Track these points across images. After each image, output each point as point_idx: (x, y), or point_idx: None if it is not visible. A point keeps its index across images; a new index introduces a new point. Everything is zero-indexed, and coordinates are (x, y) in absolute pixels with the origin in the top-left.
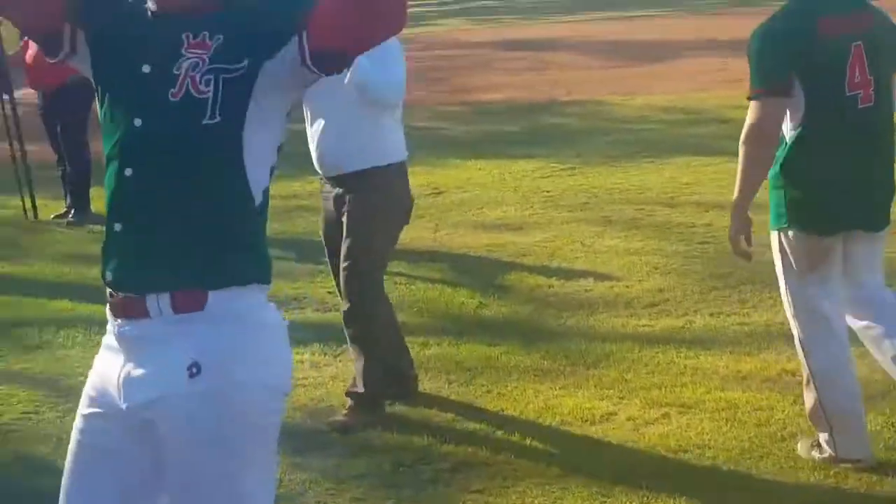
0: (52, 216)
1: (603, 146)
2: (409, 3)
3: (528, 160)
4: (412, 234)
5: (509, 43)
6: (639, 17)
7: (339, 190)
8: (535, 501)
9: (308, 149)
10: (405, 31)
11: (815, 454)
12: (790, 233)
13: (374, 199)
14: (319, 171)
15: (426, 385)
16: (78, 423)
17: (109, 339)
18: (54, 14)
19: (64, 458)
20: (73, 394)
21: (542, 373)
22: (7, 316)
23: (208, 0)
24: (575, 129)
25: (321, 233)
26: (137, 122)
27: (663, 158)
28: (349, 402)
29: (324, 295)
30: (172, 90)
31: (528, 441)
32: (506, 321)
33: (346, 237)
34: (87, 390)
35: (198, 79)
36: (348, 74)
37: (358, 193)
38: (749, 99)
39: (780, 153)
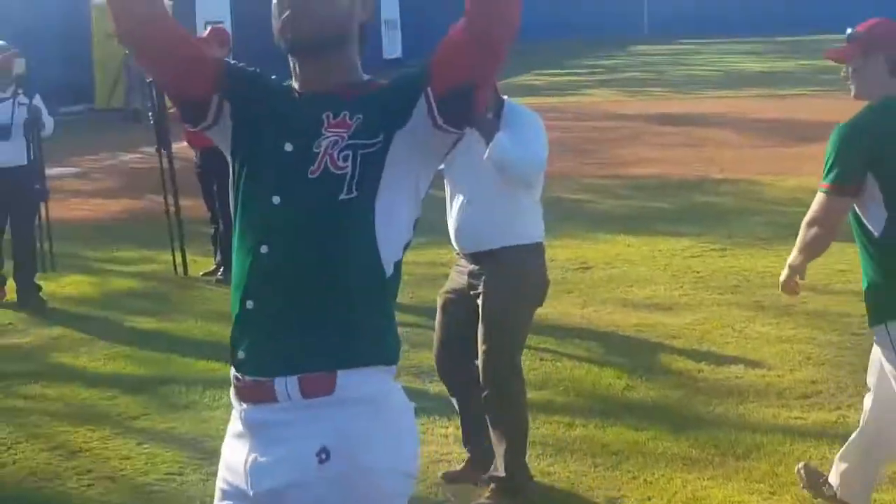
0: (201, 273)
1: (755, 227)
2: (561, 72)
3: (679, 238)
4: (560, 310)
5: (661, 116)
6: (792, 95)
7: (473, 267)
8: None
9: None
10: (555, 99)
11: None
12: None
13: (510, 280)
14: (455, 247)
15: (570, 467)
16: None
17: (235, 425)
18: (206, 84)
19: None
20: (217, 456)
21: (690, 461)
22: (154, 373)
23: (351, 84)
24: (727, 208)
25: (439, 299)
26: (276, 199)
27: None
28: (491, 485)
29: None
30: (311, 167)
31: None
32: (654, 405)
33: (483, 319)
34: (219, 483)
35: (336, 155)
36: (487, 150)
37: (493, 273)
38: (819, 192)
39: (872, 250)
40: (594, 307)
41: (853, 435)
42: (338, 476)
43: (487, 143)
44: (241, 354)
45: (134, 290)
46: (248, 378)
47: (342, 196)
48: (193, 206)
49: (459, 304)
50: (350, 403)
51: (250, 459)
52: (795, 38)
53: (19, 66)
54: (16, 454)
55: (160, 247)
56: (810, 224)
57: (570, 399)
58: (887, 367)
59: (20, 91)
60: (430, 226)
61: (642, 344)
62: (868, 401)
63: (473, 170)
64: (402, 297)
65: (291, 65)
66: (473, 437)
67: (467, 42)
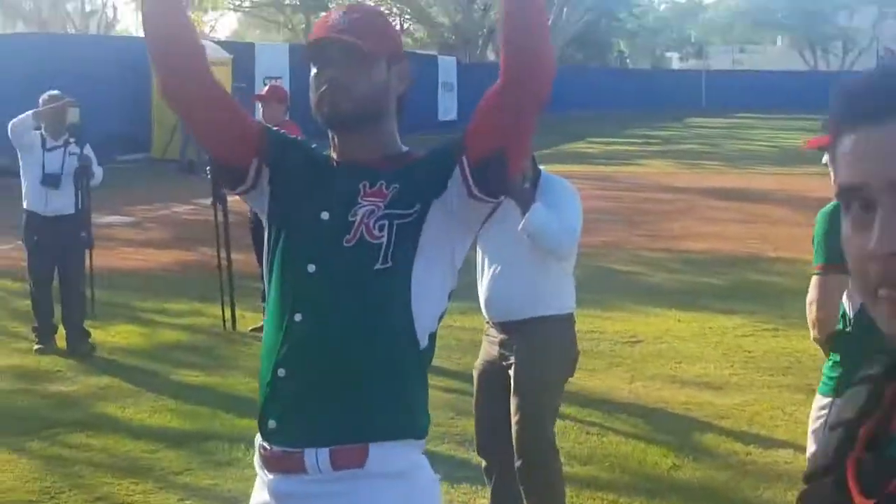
0: (249, 328)
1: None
2: (616, 140)
3: (730, 316)
4: (608, 383)
5: (715, 190)
6: None
7: (503, 336)
8: None
9: None
10: (608, 168)
11: None
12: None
13: (541, 352)
14: (485, 315)
15: None
16: None
17: (261, 495)
18: (247, 149)
19: None
20: None
21: None
22: (199, 428)
23: (388, 155)
24: (780, 287)
25: (475, 372)
26: (311, 267)
27: None
28: None
29: None
30: (347, 236)
31: None
32: (700, 486)
33: (515, 391)
34: None
35: (372, 224)
36: (522, 220)
37: (524, 344)
38: (812, 276)
39: (847, 329)
40: (642, 382)
41: None
42: None
43: (523, 213)
44: (271, 424)
45: (182, 342)
46: (276, 448)
47: (377, 266)
48: (245, 260)
49: (494, 380)
50: (380, 477)
51: None
52: None
53: (73, 115)
54: None
55: (210, 300)
56: (811, 303)
57: (616, 476)
58: None
59: (72, 140)
60: (475, 291)
61: (690, 422)
62: None
63: (507, 239)
64: (449, 362)
65: (330, 136)
66: None
67: (499, 107)
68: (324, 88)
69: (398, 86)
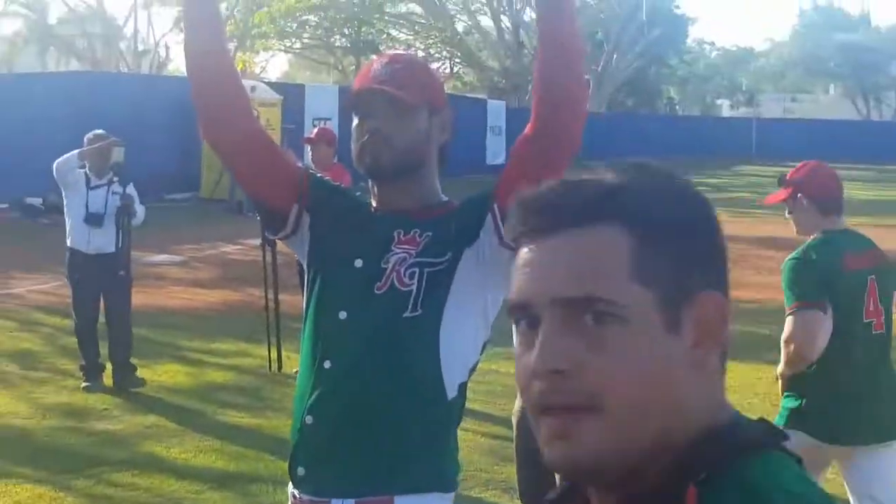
0: (294, 370)
1: None
2: None
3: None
4: None
5: (765, 240)
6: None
7: None
8: None
9: None
10: None
11: None
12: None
13: None
14: None
15: None
16: None
17: None
18: (288, 194)
19: None
20: None
21: None
22: (243, 469)
23: (427, 204)
24: None
25: (514, 419)
26: (343, 314)
27: None
28: None
29: None
30: (378, 283)
31: None
32: None
33: None
34: None
35: (402, 272)
36: None
37: None
38: (789, 314)
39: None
40: None
41: None
42: None
43: None
44: (300, 471)
45: (228, 383)
46: (304, 497)
47: (406, 313)
48: (292, 301)
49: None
50: None
51: None
52: None
53: (118, 154)
54: None
55: (256, 341)
56: (787, 342)
57: None
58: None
59: (115, 179)
60: None
61: None
62: None
63: None
64: (493, 408)
65: (370, 184)
66: None
67: (529, 152)
68: (365, 139)
69: (440, 136)
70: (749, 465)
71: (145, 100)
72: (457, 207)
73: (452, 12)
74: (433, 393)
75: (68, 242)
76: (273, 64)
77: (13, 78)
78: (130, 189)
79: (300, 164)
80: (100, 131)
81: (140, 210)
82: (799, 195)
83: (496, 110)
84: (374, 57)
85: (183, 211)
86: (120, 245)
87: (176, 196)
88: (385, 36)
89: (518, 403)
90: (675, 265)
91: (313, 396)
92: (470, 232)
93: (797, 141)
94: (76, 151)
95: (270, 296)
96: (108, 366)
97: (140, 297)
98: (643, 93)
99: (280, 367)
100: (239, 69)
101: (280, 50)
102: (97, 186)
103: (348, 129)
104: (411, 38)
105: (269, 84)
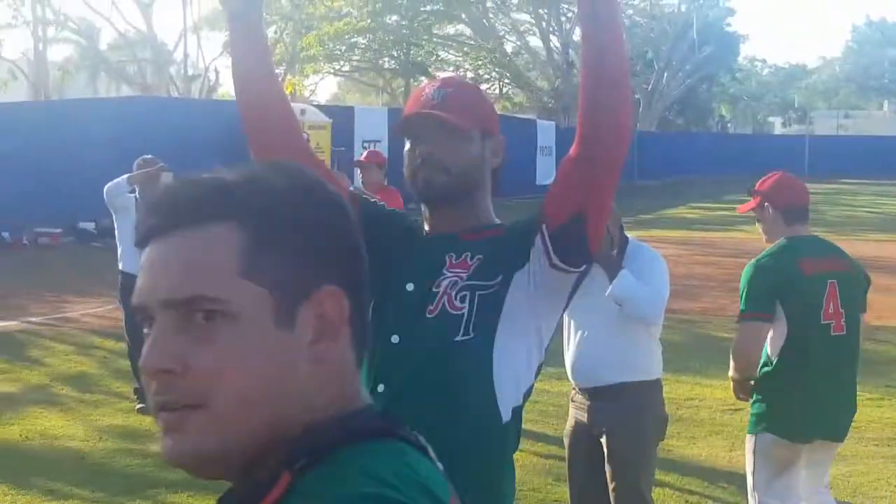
0: None
1: None
2: (716, 205)
3: None
4: (708, 451)
5: None
6: None
7: (591, 402)
8: None
9: None
10: (709, 234)
11: None
12: (765, 437)
13: (632, 418)
14: (572, 381)
15: None
16: None
17: None
18: None
19: None
20: None
21: None
22: None
23: (478, 227)
24: (885, 356)
25: (565, 440)
26: (395, 338)
27: None
28: None
29: None
30: (430, 307)
31: None
32: None
33: (610, 458)
34: None
35: (454, 295)
36: (610, 287)
37: (614, 410)
38: (737, 322)
39: (768, 370)
40: (743, 451)
41: None
42: None
43: (610, 280)
44: None
45: None
46: None
47: (458, 337)
48: None
49: (584, 447)
50: None
51: None
52: None
53: (167, 178)
54: None
55: None
56: (734, 355)
57: None
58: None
59: None
60: None
61: None
62: None
63: (594, 305)
64: (546, 427)
65: (422, 208)
66: None
67: (574, 172)
68: (418, 162)
69: (492, 159)
70: (345, 452)
71: (194, 124)
72: (508, 229)
73: (501, 33)
74: (487, 417)
75: (120, 266)
76: (322, 87)
77: (65, 104)
78: None
79: (352, 187)
80: (149, 156)
81: None
82: (766, 204)
83: (546, 131)
84: (423, 79)
85: None
86: None
87: None
88: (434, 57)
89: (570, 423)
90: (292, 262)
91: None
92: (520, 254)
93: (850, 158)
94: (126, 176)
95: None
96: None
97: None
98: (694, 111)
99: None
100: (288, 92)
101: (329, 73)
102: None
103: (398, 151)
104: (460, 59)
105: (319, 107)
